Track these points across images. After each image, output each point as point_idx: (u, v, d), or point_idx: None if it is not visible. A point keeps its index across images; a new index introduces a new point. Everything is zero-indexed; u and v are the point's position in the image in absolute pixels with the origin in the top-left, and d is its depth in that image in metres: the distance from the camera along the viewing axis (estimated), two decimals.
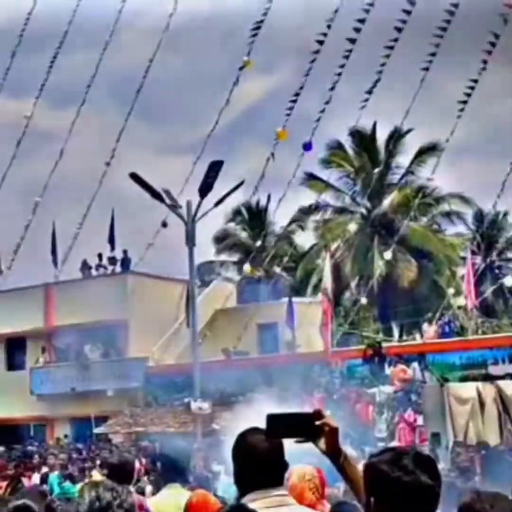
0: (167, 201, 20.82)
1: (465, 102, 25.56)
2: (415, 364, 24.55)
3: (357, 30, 25.54)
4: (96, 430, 28.68)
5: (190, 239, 20.23)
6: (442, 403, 20.23)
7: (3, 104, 29.85)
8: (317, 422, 3.08)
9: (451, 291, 29.90)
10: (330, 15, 25.45)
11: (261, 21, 26.48)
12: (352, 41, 25.74)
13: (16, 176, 31.58)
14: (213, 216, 21.76)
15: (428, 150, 36.32)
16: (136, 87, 28.79)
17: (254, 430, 3.60)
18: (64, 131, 30.16)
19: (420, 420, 21.05)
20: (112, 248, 34.23)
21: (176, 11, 27.04)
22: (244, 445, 3.67)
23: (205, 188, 19.71)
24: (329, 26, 25.47)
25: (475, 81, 25.33)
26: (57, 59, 29.15)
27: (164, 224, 27.73)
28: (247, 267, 30.41)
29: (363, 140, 38.16)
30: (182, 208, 21.23)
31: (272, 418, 3.08)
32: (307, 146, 27.78)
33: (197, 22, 50.76)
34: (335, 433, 3.12)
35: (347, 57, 25.95)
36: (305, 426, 3.07)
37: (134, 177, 20.29)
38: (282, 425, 3.06)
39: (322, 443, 3.12)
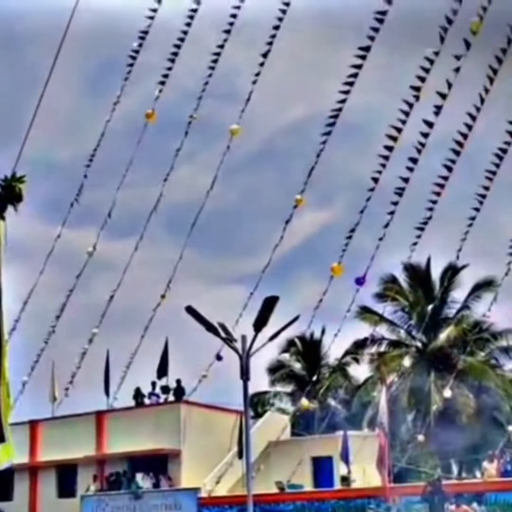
0: (222, 334, 20.93)
1: None
2: (475, 504, 23.79)
3: (410, 169, 25.92)
4: None
5: (245, 373, 20.19)
6: None
7: (62, 233, 30.34)
8: None
9: (511, 428, 29.21)
10: (384, 152, 25.93)
11: (316, 162, 27.07)
12: (405, 180, 26.12)
13: (73, 303, 31.87)
14: (267, 346, 21.80)
15: (484, 285, 36.26)
16: (191, 219, 29.28)
17: None
18: (121, 262, 30.74)
19: None
20: (160, 377, 34.22)
21: (230, 148, 27.78)
22: None
23: (260, 323, 19.78)
24: (384, 164, 25.93)
25: None
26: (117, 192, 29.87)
27: (219, 358, 27.96)
28: (305, 402, 30.10)
29: (418, 274, 38.26)
30: (237, 342, 21.35)
31: None
32: (360, 281, 27.89)
33: (251, 158, 52.21)
34: None
35: (400, 194, 26.27)
36: None
37: (190, 310, 20.49)
38: None
39: None
